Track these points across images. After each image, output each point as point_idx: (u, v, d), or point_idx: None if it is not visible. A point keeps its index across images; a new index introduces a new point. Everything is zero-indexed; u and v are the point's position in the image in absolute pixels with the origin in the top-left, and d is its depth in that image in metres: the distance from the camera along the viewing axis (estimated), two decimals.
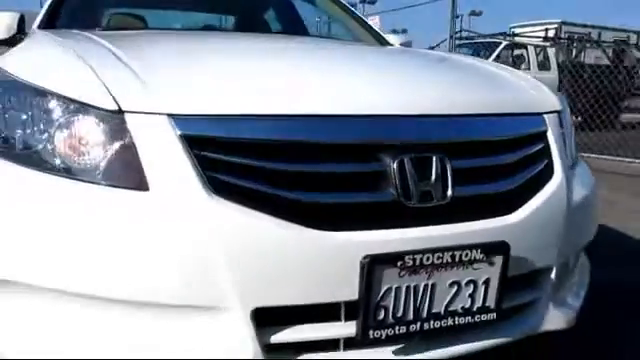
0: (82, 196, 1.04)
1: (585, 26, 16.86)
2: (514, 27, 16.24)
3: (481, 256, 1.12)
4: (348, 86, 1.26)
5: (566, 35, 13.19)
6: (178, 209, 1.01)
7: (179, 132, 1.04)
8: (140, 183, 1.03)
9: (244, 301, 1.02)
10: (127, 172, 1.05)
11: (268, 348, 1.05)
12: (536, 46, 10.40)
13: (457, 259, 1.10)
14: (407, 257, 1.05)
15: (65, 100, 1.10)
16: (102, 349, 1.03)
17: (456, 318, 1.14)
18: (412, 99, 1.25)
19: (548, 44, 10.68)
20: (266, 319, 1.05)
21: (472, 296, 1.14)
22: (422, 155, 1.13)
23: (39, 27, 2.15)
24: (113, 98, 1.08)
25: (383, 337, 1.08)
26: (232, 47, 1.75)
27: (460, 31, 8.79)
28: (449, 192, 1.14)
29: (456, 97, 1.32)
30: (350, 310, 1.08)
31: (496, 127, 1.31)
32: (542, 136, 1.38)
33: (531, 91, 1.53)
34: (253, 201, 1.02)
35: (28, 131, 1.12)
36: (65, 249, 1.02)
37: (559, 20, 15.65)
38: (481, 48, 10.26)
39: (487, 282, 1.14)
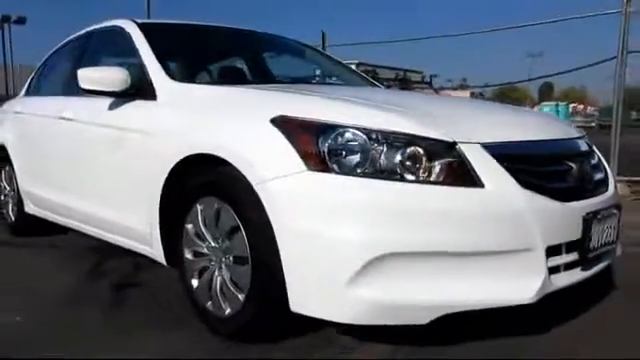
0: (448, 195, 1.72)
1: (374, 66, 19.93)
2: None
3: (615, 211, 2.09)
4: (541, 124, 2.19)
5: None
6: (506, 197, 1.76)
7: (489, 152, 1.79)
8: (477, 183, 1.75)
9: (542, 243, 1.79)
10: (467, 177, 1.75)
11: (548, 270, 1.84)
12: None
13: (610, 213, 2.05)
14: (601, 212, 1.97)
15: (420, 139, 1.76)
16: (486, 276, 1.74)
17: (606, 247, 2.07)
18: (564, 130, 2.20)
19: None
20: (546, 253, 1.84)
21: (610, 234, 2.09)
22: (583, 159, 2.06)
23: (172, 78, 2.49)
24: (448, 135, 1.78)
25: (592, 257, 1.96)
26: (447, 101, 2.71)
27: None
28: (593, 179, 2.08)
29: (569, 129, 2.30)
30: (568, 247, 1.93)
31: (586, 143, 2.30)
32: (592, 147, 2.42)
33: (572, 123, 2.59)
34: (535, 189, 1.81)
35: (392, 159, 1.73)
36: (440, 226, 1.69)
37: (357, 61, 18.23)
38: None
39: (614, 226, 2.11)
